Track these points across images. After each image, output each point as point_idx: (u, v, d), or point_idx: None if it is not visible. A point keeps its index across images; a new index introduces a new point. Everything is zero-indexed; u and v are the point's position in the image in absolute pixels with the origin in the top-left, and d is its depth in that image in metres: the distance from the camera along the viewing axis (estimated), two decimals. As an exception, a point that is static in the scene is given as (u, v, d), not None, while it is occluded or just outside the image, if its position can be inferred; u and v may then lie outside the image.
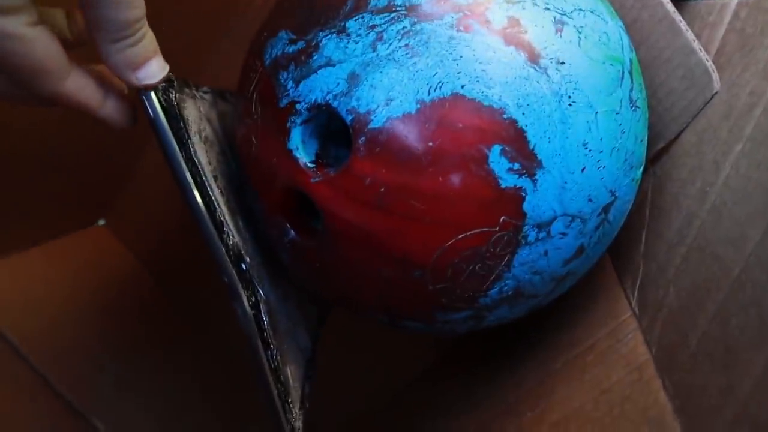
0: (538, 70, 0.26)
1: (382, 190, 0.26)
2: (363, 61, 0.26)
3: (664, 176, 0.35)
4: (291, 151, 0.28)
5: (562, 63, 0.27)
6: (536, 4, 0.27)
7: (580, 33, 0.27)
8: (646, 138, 0.31)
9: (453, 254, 0.27)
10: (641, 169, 0.31)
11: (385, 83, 0.26)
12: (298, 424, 0.28)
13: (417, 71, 0.26)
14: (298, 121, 0.28)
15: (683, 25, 0.34)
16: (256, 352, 0.26)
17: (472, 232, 0.27)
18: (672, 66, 0.35)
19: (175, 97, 0.26)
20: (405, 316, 0.31)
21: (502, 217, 0.27)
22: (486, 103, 0.26)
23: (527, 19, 0.26)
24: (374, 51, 0.26)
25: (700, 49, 0.33)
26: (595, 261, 0.32)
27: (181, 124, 0.26)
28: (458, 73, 0.26)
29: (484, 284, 0.29)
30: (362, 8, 0.27)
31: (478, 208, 0.26)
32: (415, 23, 0.26)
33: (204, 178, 0.27)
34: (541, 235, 0.28)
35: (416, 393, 0.47)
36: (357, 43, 0.27)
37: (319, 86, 0.27)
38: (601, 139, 0.28)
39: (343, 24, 0.27)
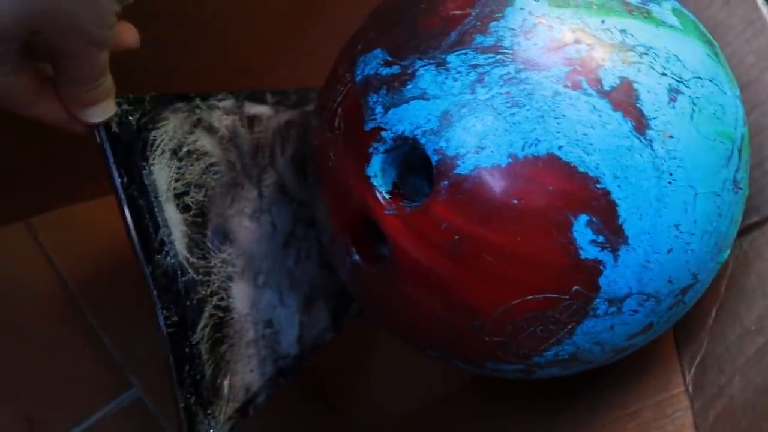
0: (644, 141, 0.24)
1: (457, 237, 0.25)
2: (459, 101, 0.25)
3: (752, 253, 0.33)
4: (369, 177, 0.27)
5: (670, 137, 0.25)
6: (653, 68, 0.25)
7: (694, 105, 0.25)
8: (740, 219, 0.29)
9: (517, 313, 0.26)
10: (729, 251, 0.30)
11: (478, 129, 0.25)
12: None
13: (514, 123, 0.24)
14: (382, 149, 0.27)
15: (806, 97, 0.31)
16: (169, 368, 0.27)
17: (542, 296, 0.26)
18: (784, 139, 0.32)
19: (138, 119, 0.28)
20: (456, 357, 0.30)
21: (575, 287, 0.26)
22: (581, 169, 0.24)
23: (641, 84, 0.25)
24: (473, 93, 0.25)
25: (820, 128, 0.31)
26: (659, 335, 0.31)
27: (138, 146, 0.28)
28: (558, 132, 0.24)
29: (542, 345, 0.28)
30: (466, 43, 0.26)
31: (552, 274, 0.25)
32: (520, 70, 0.25)
33: (152, 199, 0.28)
34: (611, 309, 0.26)
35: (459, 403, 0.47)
36: (456, 80, 0.25)
37: (409, 118, 0.26)
38: (695, 222, 0.26)
39: (444, 57, 0.26)
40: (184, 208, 0.30)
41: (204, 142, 0.31)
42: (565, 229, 0.24)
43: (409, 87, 0.26)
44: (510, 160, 0.24)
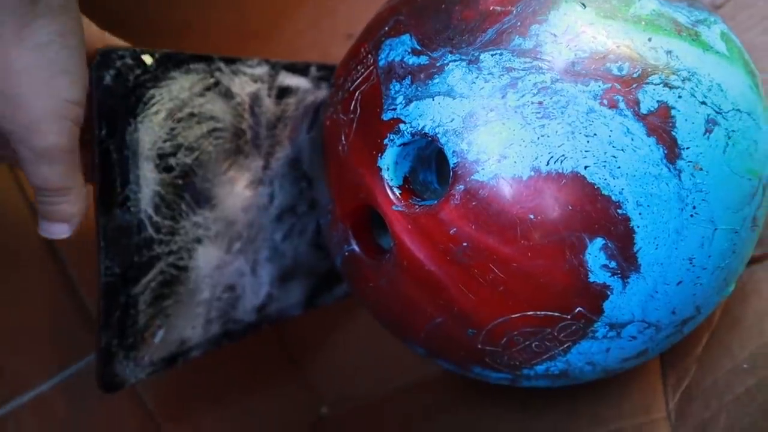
0: (672, 171, 0.23)
1: (465, 245, 0.25)
2: (488, 104, 0.24)
3: (751, 286, 0.33)
4: (380, 169, 0.26)
5: (700, 169, 0.24)
6: (694, 95, 0.24)
7: (729, 138, 0.24)
8: (750, 255, 0.29)
9: (514, 326, 0.26)
10: (734, 285, 0.29)
11: (503, 137, 0.24)
12: (130, 370, 0.30)
13: (543, 135, 0.23)
14: (398, 141, 0.26)
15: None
16: (99, 311, 0.28)
17: (543, 313, 0.25)
18: (804, 178, 0.31)
19: (138, 75, 0.27)
20: (442, 357, 0.30)
21: (579, 308, 0.25)
22: (605, 192, 0.23)
23: (679, 111, 0.24)
24: (503, 97, 0.24)
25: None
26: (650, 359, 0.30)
27: (130, 101, 0.27)
28: (586, 151, 0.23)
29: (534, 360, 0.27)
30: (503, 43, 0.24)
31: (558, 294, 0.25)
32: (556, 81, 0.23)
33: (128, 156, 0.28)
34: (611, 334, 0.26)
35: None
36: (487, 81, 0.24)
37: (431, 115, 0.25)
38: (709, 257, 0.25)
39: (477, 54, 0.24)
40: (165, 169, 0.30)
41: (213, 106, 0.31)
42: (578, 250, 0.24)
43: (436, 81, 0.25)
44: (533, 173, 0.23)
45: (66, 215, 0.25)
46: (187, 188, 0.31)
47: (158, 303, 0.30)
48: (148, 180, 0.29)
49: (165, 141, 0.29)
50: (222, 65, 0.31)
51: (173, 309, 0.31)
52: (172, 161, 0.30)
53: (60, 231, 0.26)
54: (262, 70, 0.33)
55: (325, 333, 0.50)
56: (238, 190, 0.33)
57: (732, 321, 0.32)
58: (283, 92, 0.34)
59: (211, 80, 0.30)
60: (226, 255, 0.33)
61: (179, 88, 0.29)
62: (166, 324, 0.31)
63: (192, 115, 0.30)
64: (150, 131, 0.28)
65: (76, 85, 0.23)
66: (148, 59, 0.28)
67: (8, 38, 0.21)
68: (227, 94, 0.31)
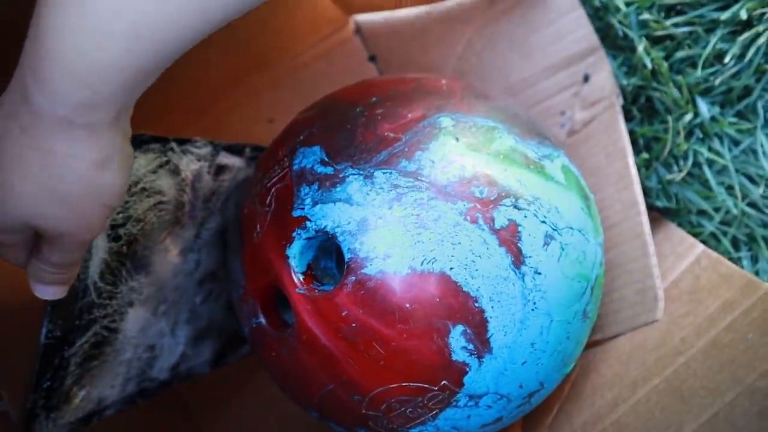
0: (518, 274, 0.30)
1: (354, 325, 0.30)
2: (378, 213, 0.30)
3: (592, 366, 0.40)
4: (288, 257, 0.31)
5: (539, 273, 0.30)
6: (537, 216, 0.31)
7: (563, 250, 0.31)
8: (586, 341, 0.36)
9: (392, 394, 0.31)
10: (573, 365, 0.36)
11: (389, 240, 0.29)
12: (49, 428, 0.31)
13: (419, 241, 0.29)
14: (304, 235, 0.31)
15: (652, 248, 0.39)
16: (32, 374, 0.30)
17: (415, 384, 0.30)
18: (632, 278, 0.39)
19: None
20: (332, 420, 0.34)
21: (444, 381, 0.30)
22: (465, 289, 0.29)
23: (524, 228, 0.30)
24: (390, 208, 0.30)
25: (658, 277, 0.38)
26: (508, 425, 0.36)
27: None
28: (452, 256, 0.29)
29: (409, 424, 0.32)
30: (393, 164, 0.30)
31: (427, 369, 0.30)
32: (432, 198, 0.30)
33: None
34: (470, 403, 0.31)
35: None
36: (378, 194, 0.30)
37: (333, 217, 0.30)
38: (547, 342, 0.32)
39: (372, 171, 0.30)
40: (115, 238, 0.32)
41: (162, 182, 0.34)
42: (443, 334, 0.29)
43: (338, 189, 0.30)
44: (410, 271, 0.29)
45: (69, 279, 0.27)
46: (130, 256, 0.33)
47: (86, 364, 0.32)
48: (98, 248, 0.31)
49: (119, 213, 0.32)
50: (174, 145, 0.34)
51: (98, 369, 0.33)
52: (121, 231, 0.32)
53: (59, 292, 0.27)
54: (206, 150, 0.36)
55: (227, 398, 0.52)
56: (171, 257, 0.36)
57: (575, 394, 0.39)
58: (221, 169, 0.37)
59: (164, 158, 0.33)
60: (151, 317, 0.35)
61: (138, 165, 0.32)
62: (88, 384, 0.32)
63: (144, 189, 0.33)
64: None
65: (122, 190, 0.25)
66: None
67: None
68: (175, 171, 0.34)
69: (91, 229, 0.25)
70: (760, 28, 0.38)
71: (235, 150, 0.39)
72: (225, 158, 0.38)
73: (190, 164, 0.35)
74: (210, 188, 0.37)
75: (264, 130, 0.49)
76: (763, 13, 0.38)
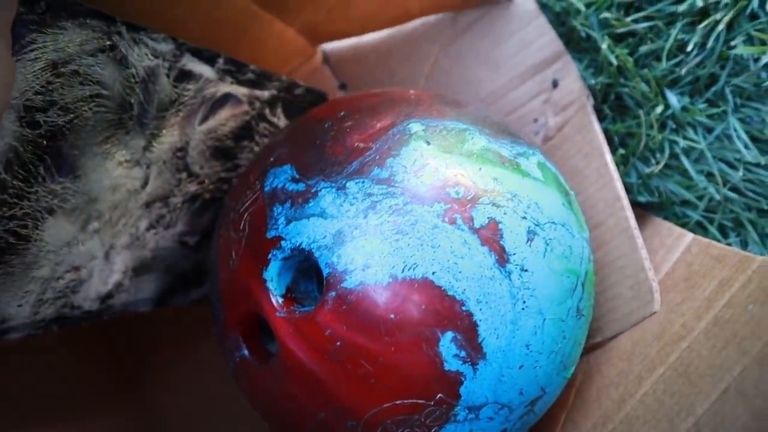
0: (503, 273, 0.29)
1: (339, 344, 0.28)
2: (353, 224, 0.29)
3: (595, 369, 0.38)
4: (265, 280, 0.30)
5: (526, 270, 0.29)
6: (516, 212, 0.30)
7: (547, 245, 0.30)
8: (584, 341, 0.34)
9: (387, 415, 0.29)
10: (574, 368, 0.34)
11: (366, 250, 0.28)
12: None
13: (397, 248, 0.28)
14: (280, 256, 0.30)
15: (640, 242, 0.38)
16: None
17: (410, 401, 0.29)
18: (624, 274, 0.38)
19: (19, 13, 0.25)
20: (328, 451, 0.32)
21: (439, 395, 0.29)
22: (450, 293, 0.28)
23: (505, 225, 0.29)
24: (365, 218, 0.29)
25: (650, 269, 0.37)
26: (513, 439, 0.34)
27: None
28: (433, 260, 0.28)
29: (408, 446, 0.30)
30: (365, 173, 0.30)
31: (420, 382, 0.29)
32: (407, 203, 0.29)
33: None
34: (470, 416, 0.30)
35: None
36: (352, 205, 0.29)
37: (307, 233, 0.29)
38: (543, 343, 0.30)
39: (344, 182, 0.30)
40: (30, 124, 0.27)
41: (103, 71, 0.28)
42: (433, 343, 0.28)
43: (311, 204, 0.30)
44: (391, 279, 0.28)
45: None
46: (51, 151, 0.28)
47: None
48: (5, 131, 0.26)
49: (37, 93, 0.26)
50: (123, 30, 0.29)
51: (1, 281, 0.28)
52: (39, 117, 0.27)
53: None
54: (166, 47, 0.30)
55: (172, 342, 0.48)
56: (110, 167, 0.31)
57: (581, 400, 0.37)
58: (184, 76, 0.32)
59: (107, 42, 0.28)
60: (80, 232, 0.30)
61: (68, 40, 0.27)
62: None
63: (77, 73, 0.27)
64: (21, 78, 0.25)
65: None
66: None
67: None
68: (122, 62, 0.29)
69: None
70: (718, 15, 0.39)
71: (204, 56, 0.32)
72: (191, 63, 0.32)
73: (143, 59, 0.30)
74: (168, 95, 0.31)
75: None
76: (719, 1, 0.38)
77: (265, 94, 0.38)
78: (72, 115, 0.28)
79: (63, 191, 0.29)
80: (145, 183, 0.32)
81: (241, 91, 0.36)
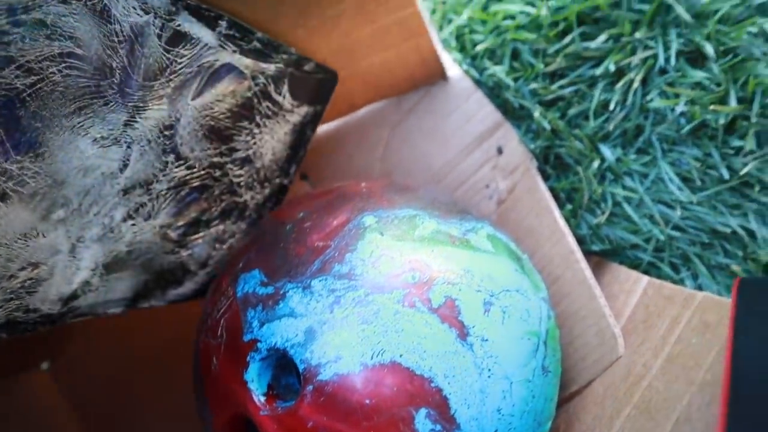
0: (465, 345, 0.31)
1: (322, 434, 0.30)
2: (321, 319, 0.31)
3: (574, 417, 0.40)
4: (247, 382, 0.32)
5: (486, 340, 0.32)
6: (470, 286, 0.32)
7: (504, 313, 0.33)
8: (556, 395, 0.36)
9: (376, 496, 0.31)
10: (550, 423, 0.36)
11: (336, 343, 0.30)
12: None
13: (365, 337, 0.30)
14: (258, 357, 0.32)
15: (598, 291, 0.40)
16: None
17: (395, 479, 0.30)
18: (587, 324, 0.41)
19: None
20: None
21: (423, 470, 0.31)
22: (418, 372, 0.30)
23: (461, 300, 0.32)
24: (332, 312, 0.31)
25: (610, 315, 0.40)
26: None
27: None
28: (398, 343, 0.30)
29: None
30: (327, 270, 0.32)
31: (403, 461, 0.30)
32: (368, 294, 0.31)
33: None
34: (456, 485, 0.31)
35: None
36: (318, 302, 0.31)
37: (281, 333, 0.31)
38: (513, 405, 0.32)
39: (309, 281, 0.32)
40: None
41: (77, 23, 0.23)
42: (408, 421, 0.30)
43: (281, 305, 0.32)
44: (362, 367, 0.30)
45: None
46: (5, 121, 0.23)
47: None
48: None
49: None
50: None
51: None
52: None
53: None
54: (159, 1, 0.26)
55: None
56: (81, 144, 0.26)
57: (565, 450, 0.39)
58: (178, 38, 0.27)
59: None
60: (39, 222, 0.26)
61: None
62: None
63: (43, 24, 0.22)
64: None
65: None
66: None
67: None
68: (102, 15, 0.24)
69: None
70: (632, 74, 0.43)
71: (204, 17, 0.27)
72: (188, 24, 0.27)
73: (130, 13, 0.24)
74: (158, 60, 0.26)
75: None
76: (629, 63, 0.42)
77: (271, 67, 0.33)
78: (35, 78, 0.23)
79: (20, 172, 0.24)
80: (124, 166, 0.28)
81: (244, 62, 0.31)
